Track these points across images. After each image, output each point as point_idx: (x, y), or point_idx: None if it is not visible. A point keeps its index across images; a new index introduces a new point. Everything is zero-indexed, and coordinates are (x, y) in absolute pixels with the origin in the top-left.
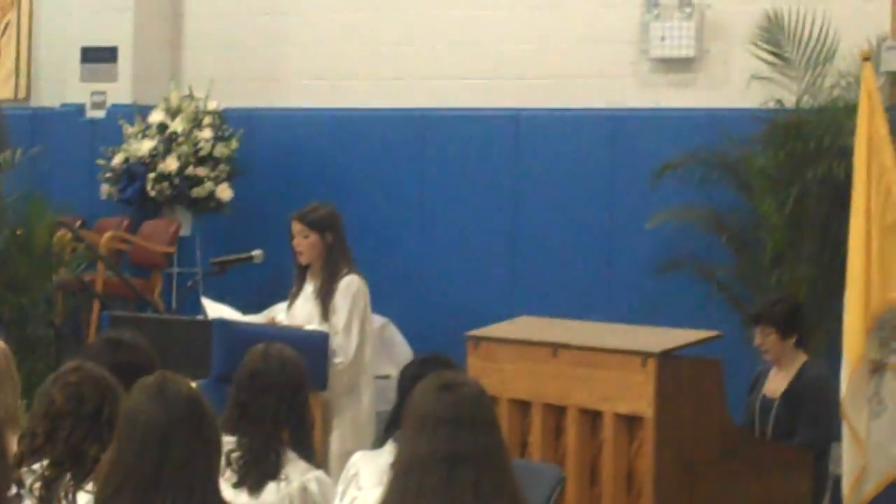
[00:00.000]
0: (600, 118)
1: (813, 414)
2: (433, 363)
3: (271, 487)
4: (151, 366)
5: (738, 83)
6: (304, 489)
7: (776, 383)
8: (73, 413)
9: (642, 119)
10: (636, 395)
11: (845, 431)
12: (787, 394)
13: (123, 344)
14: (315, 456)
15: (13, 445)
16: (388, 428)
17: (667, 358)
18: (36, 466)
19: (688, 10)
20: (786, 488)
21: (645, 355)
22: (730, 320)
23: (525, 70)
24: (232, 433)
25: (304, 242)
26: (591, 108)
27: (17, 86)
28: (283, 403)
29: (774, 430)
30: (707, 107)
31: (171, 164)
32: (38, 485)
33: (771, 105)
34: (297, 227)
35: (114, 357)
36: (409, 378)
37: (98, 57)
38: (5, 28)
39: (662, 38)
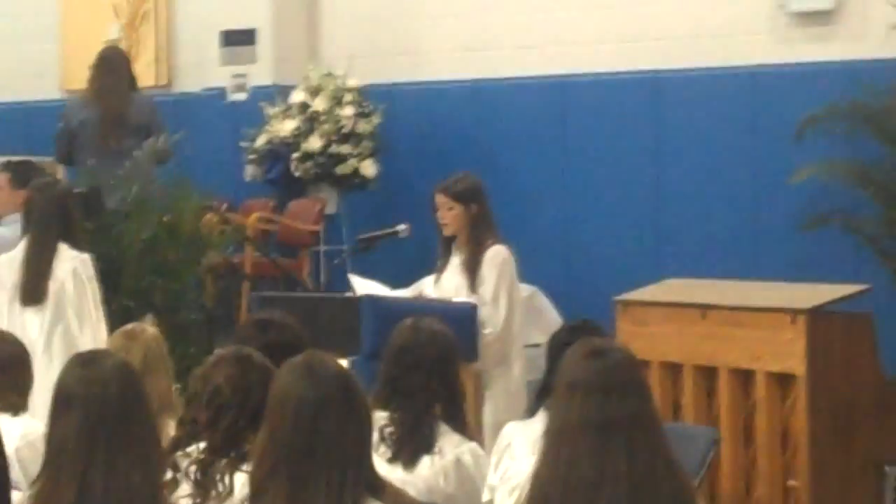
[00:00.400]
0: (739, 75)
1: None
2: (582, 330)
3: (425, 461)
4: (301, 345)
5: (877, 34)
6: (458, 462)
7: None
8: (238, 405)
9: (782, 74)
10: (787, 352)
11: None
12: None
13: (273, 324)
14: (468, 428)
15: (170, 430)
16: (539, 397)
17: (817, 314)
18: (191, 449)
19: None
20: None
21: (794, 312)
22: (879, 274)
23: (662, 30)
24: (384, 409)
25: (449, 214)
26: (729, 65)
27: (158, 72)
28: (434, 377)
29: None
30: (847, 59)
31: (314, 142)
32: (194, 468)
33: None
34: (441, 199)
35: (265, 337)
36: (557, 346)
37: (237, 40)
38: (144, 16)
39: None
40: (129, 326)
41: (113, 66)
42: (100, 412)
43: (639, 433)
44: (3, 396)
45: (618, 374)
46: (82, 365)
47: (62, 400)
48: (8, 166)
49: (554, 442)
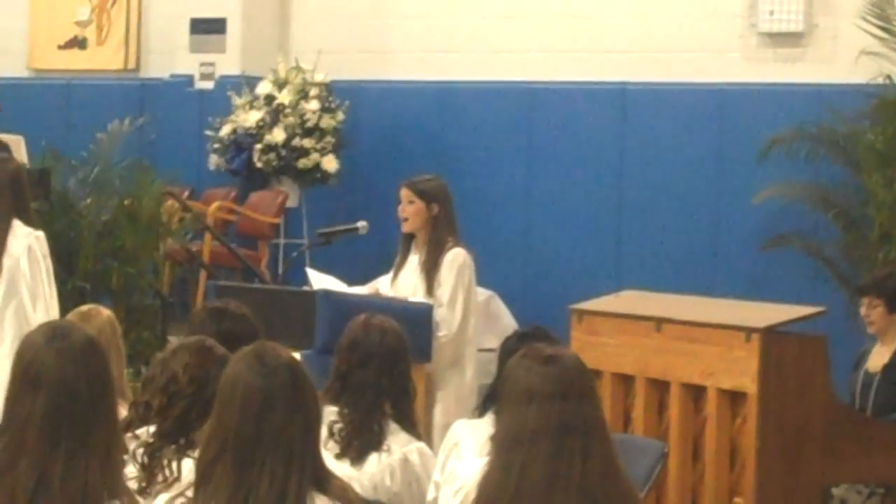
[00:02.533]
0: (707, 92)
1: None
2: (532, 336)
3: (373, 458)
4: (255, 335)
5: (846, 58)
6: (405, 460)
7: (878, 358)
8: (192, 395)
9: (749, 94)
10: (740, 370)
11: None
12: (889, 368)
13: (228, 313)
14: (417, 427)
15: (119, 414)
16: (488, 399)
17: (771, 334)
18: (140, 432)
19: None
20: (891, 466)
21: (749, 331)
22: (835, 297)
23: (632, 43)
24: (334, 404)
25: (409, 209)
26: (697, 82)
27: (126, 56)
28: (384, 374)
29: (875, 405)
30: (815, 82)
31: (277, 135)
32: (141, 451)
33: (880, 80)
34: (404, 192)
35: (218, 326)
36: (508, 351)
37: (207, 28)
38: None
39: (771, 13)
40: (85, 308)
41: None
42: (68, 398)
43: (593, 439)
44: None
45: (574, 379)
46: (54, 339)
47: (30, 378)
48: None
49: (507, 447)
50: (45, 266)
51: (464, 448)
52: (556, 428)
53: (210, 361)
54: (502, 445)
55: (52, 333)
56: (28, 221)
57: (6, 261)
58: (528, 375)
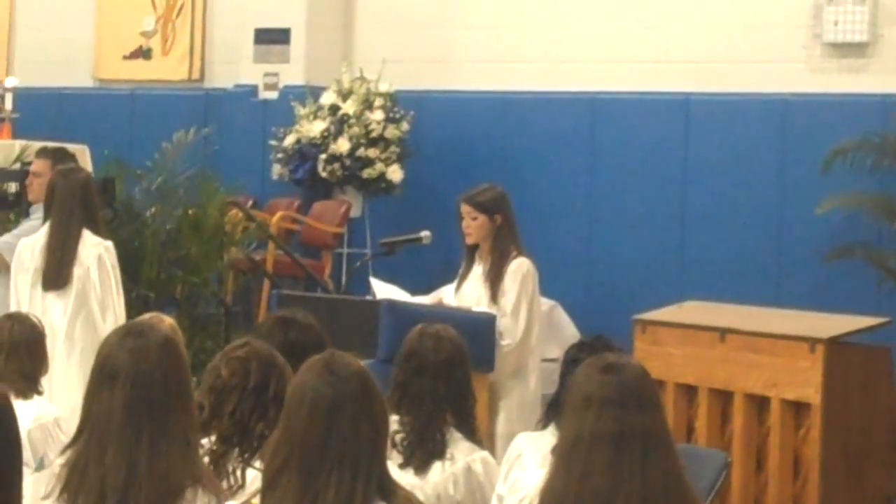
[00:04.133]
0: (771, 103)
1: None
2: (595, 346)
3: (437, 467)
4: (322, 346)
5: None
6: (468, 469)
7: None
8: (237, 387)
9: (813, 104)
10: (803, 381)
11: None
12: None
13: (296, 323)
14: (478, 435)
15: None
16: (550, 410)
17: (835, 344)
18: (204, 441)
19: None
20: None
21: (813, 341)
22: None
23: (695, 54)
24: (395, 413)
25: (473, 224)
26: (761, 92)
27: (191, 67)
28: (440, 382)
29: None
30: (879, 92)
31: (342, 145)
32: (206, 459)
33: None
34: (465, 208)
35: (285, 336)
36: (570, 361)
37: (271, 38)
38: (179, 10)
39: (835, 23)
40: (147, 316)
41: None
42: (147, 390)
43: (653, 448)
44: (11, 381)
45: (633, 388)
46: (131, 337)
47: (108, 373)
48: (45, 152)
49: (567, 455)
50: (115, 276)
51: (527, 460)
52: (613, 435)
53: (251, 354)
54: (562, 452)
55: (127, 331)
56: (97, 231)
57: (76, 270)
58: (587, 383)
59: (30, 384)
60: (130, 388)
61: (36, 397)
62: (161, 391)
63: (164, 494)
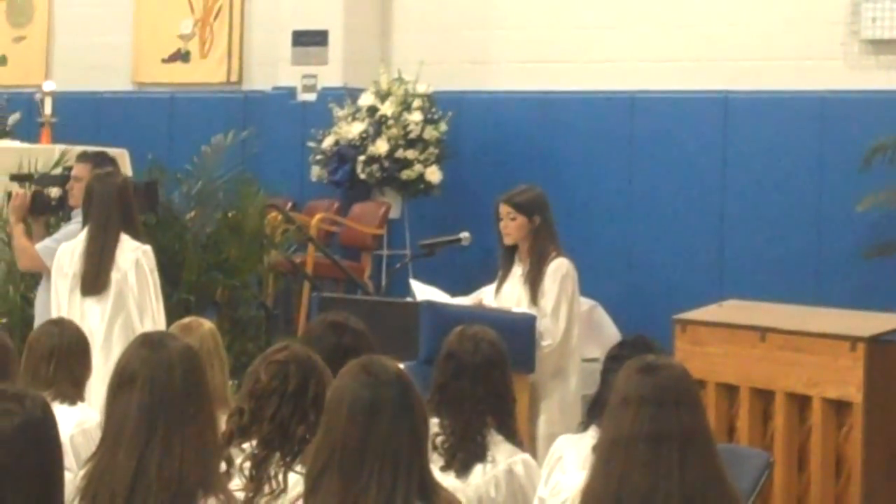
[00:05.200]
0: (809, 100)
1: None
2: (636, 346)
3: (478, 470)
4: (372, 350)
5: None
6: (510, 472)
7: None
8: (277, 391)
9: (852, 101)
10: (845, 380)
11: None
12: None
13: (348, 328)
14: (519, 437)
15: (222, 424)
16: (591, 411)
17: (876, 343)
18: (245, 446)
19: None
20: None
21: (854, 340)
22: None
23: (733, 52)
24: (435, 416)
25: (511, 225)
26: (799, 90)
27: (229, 69)
28: (479, 385)
29: None
30: None
31: (380, 146)
32: (247, 464)
33: None
34: (504, 209)
35: (339, 340)
36: (611, 361)
37: (309, 40)
38: (217, 12)
39: (873, 20)
40: (187, 320)
41: None
42: (162, 393)
43: (692, 448)
44: (60, 387)
45: (672, 388)
46: (149, 346)
47: (126, 378)
48: (86, 156)
49: (607, 454)
50: (153, 280)
51: (567, 462)
52: (650, 434)
53: (289, 357)
54: (602, 452)
55: (145, 339)
56: (135, 235)
57: (114, 275)
58: (625, 383)
59: (77, 390)
60: (147, 392)
61: (80, 403)
62: (178, 394)
63: (173, 497)
